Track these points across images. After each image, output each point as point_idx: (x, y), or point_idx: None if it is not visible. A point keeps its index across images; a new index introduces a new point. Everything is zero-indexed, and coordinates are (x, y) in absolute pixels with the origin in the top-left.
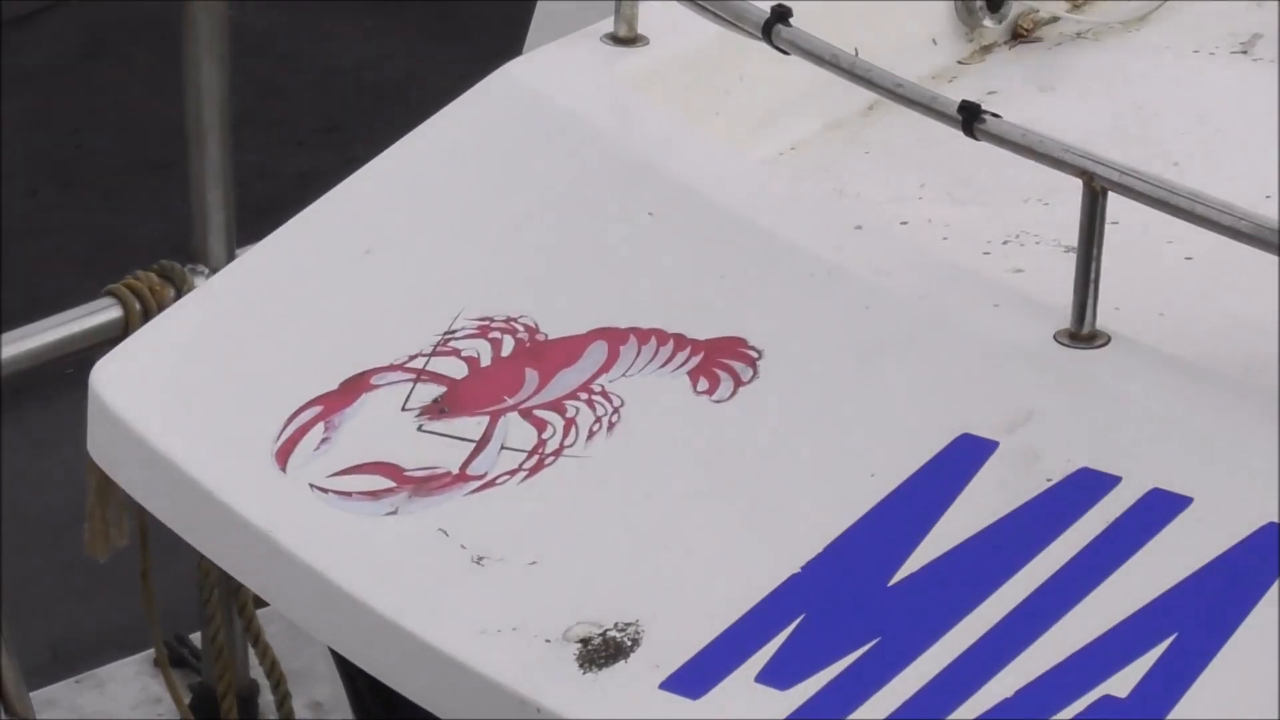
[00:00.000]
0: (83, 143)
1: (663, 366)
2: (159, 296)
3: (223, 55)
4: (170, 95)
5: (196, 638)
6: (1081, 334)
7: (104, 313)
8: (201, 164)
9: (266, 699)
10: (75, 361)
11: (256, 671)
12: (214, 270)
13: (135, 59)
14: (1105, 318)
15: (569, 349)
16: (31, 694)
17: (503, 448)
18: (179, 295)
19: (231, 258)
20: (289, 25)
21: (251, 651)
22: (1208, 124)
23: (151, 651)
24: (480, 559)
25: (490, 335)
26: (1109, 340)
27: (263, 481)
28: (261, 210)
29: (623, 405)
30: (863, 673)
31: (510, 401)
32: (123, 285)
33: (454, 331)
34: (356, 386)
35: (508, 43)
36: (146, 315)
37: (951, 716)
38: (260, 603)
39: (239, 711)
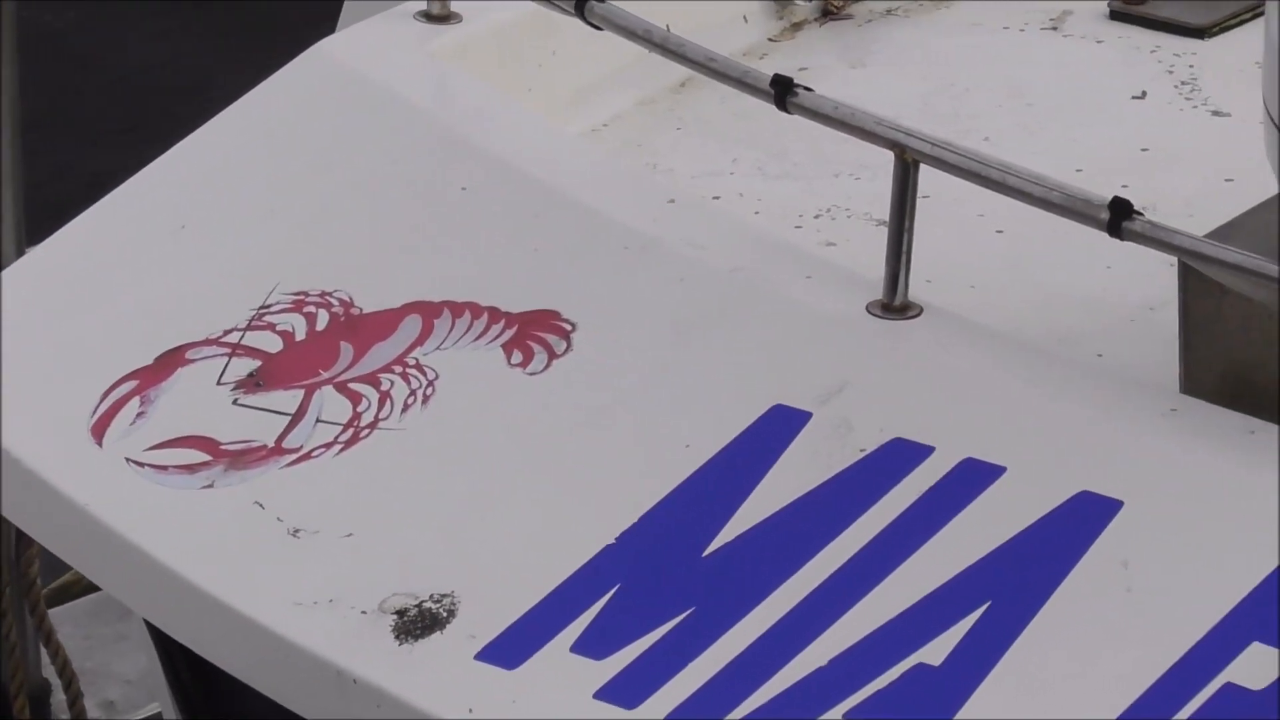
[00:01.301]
0: None
1: (477, 339)
2: None
3: (10, 53)
4: None
5: None
6: (894, 305)
7: None
8: None
9: (59, 699)
10: None
11: (49, 671)
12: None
13: None
14: (917, 290)
15: (384, 323)
16: None
17: (318, 421)
18: None
19: (21, 256)
20: (84, 26)
21: (44, 651)
22: (1018, 99)
23: None
24: (296, 531)
25: (305, 309)
26: (921, 311)
27: (79, 456)
28: (56, 210)
29: (437, 378)
30: (678, 642)
31: (325, 375)
32: None
33: (269, 306)
34: (172, 361)
35: (307, 43)
36: None
37: (766, 685)
38: (52, 602)
39: (30, 711)
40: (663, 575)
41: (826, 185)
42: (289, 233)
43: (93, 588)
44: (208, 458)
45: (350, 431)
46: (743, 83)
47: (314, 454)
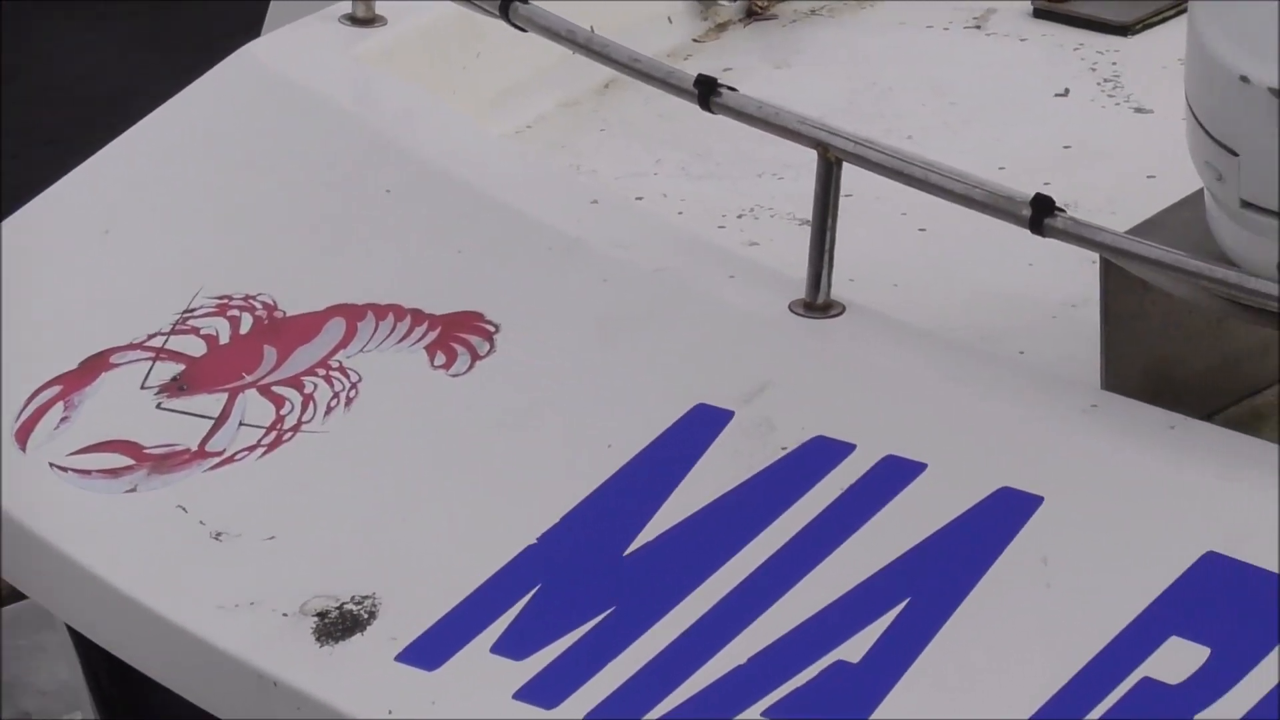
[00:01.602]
0: None
1: (400, 341)
2: None
3: None
4: None
5: None
6: (816, 304)
7: None
8: None
9: None
10: None
11: None
12: None
13: None
14: (840, 288)
15: (307, 325)
16: None
17: (241, 424)
18: None
19: None
20: (3, 37)
21: None
22: (942, 97)
23: None
24: (219, 535)
25: (229, 313)
26: (843, 310)
27: (2, 461)
28: None
29: (360, 381)
30: (598, 642)
31: (249, 378)
32: None
33: (193, 310)
34: (96, 366)
35: (227, 53)
36: None
37: (686, 683)
38: None
39: None
40: (583, 575)
41: (750, 185)
42: (214, 236)
43: (10, 599)
44: (131, 462)
45: (273, 434)
46: (666, 83)
47: (237, 457)
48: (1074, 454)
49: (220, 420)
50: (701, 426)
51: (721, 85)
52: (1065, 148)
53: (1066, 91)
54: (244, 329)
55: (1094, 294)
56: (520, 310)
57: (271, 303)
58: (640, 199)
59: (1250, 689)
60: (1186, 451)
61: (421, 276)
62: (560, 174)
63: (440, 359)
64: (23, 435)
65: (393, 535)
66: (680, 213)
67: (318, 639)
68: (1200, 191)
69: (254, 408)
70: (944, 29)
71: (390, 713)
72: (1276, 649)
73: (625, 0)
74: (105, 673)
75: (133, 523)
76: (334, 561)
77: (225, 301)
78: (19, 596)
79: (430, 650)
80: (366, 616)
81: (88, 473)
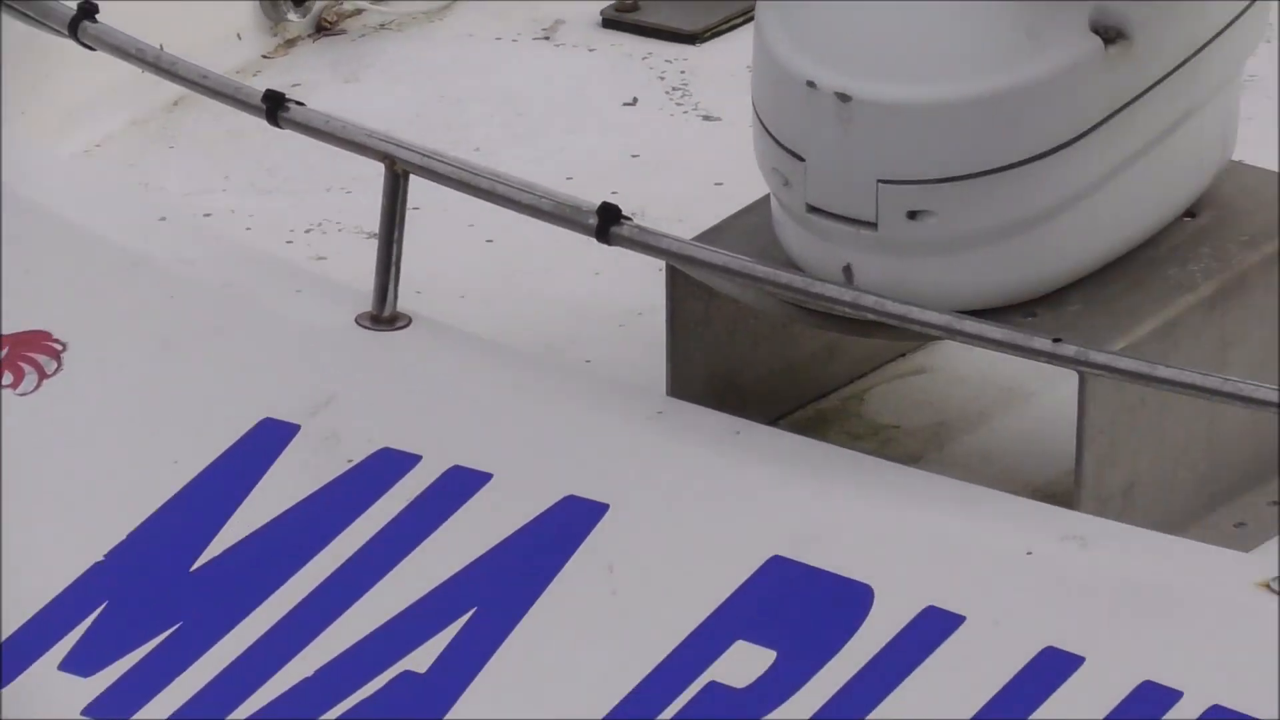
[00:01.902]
0: None
1: None
2: None
3: None
4: None
5: None
6: (383, 317)
7: None
8: None
9: None
10: None
11: None
12: None
13: None
14: (407, 301)
15: None
16: None
17: None
18: None
19: None
20: None
21: None
22: (510, 108)
23: None
24: None
25: None
26: (410, 322)
27: None
28: None
29: None
30: (165, 657)
31: None
32: None
33: None
34: None
35: None
36: None
37: (254, 696)
38: None
39: None
40: (150, 591)
41: (318, 200)
42: None
43: None
44: None
45: None
46: (234, 99)
47: None
48: (639, 461)
49: None
50: (267, 440)
51: (289, 100)
52: (634, 156)
53: (635, 100)
54: None
55: (661, 301)
56: (88, 328)
57: None
58: (209, 215)
59: (816, 691)
60: (752, 456)
61: None
62: (128, 192)
63: (8, 378)
64: None
65: None
66: (248, 228)
67: None
68: (766, 197)
69: None
70: (513, 40)
71: None
72: (841, 651)
73: (195, 11)
74: None
75: None
76: None
77: None
78: None
79: None
80: None
81: None
